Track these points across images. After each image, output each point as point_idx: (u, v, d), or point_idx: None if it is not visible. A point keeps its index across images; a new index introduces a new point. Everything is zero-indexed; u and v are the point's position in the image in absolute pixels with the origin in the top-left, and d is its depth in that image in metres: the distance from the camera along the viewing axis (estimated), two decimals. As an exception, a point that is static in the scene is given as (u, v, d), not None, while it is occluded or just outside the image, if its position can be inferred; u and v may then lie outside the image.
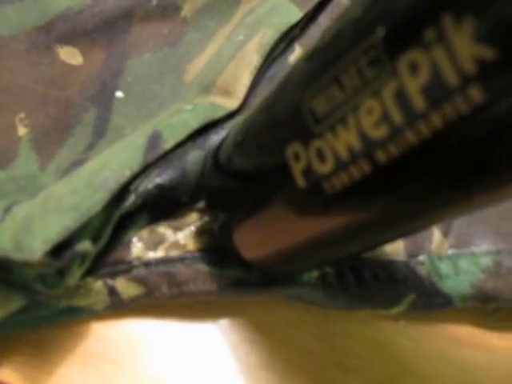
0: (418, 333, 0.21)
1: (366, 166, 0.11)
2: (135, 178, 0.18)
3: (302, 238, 0.14)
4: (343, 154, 0.11)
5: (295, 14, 0.23)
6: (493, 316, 0.21)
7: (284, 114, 0.13)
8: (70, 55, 0.23)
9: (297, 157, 0.12)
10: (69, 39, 0.23)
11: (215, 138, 0.20)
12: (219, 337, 0.20)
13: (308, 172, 0.12)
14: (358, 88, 0.10)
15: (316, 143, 0.12)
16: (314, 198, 0.12)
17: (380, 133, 0.10)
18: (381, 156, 0.10)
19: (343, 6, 0.25)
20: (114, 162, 0.17)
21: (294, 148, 0.12)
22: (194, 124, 0.19)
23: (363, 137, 0.10)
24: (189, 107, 0.20)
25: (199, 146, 0.19)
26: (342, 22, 0.12)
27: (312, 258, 0.16)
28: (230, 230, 0.17)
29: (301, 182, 0.12)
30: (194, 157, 0.19)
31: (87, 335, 0.19)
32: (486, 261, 0.20)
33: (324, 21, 0.24)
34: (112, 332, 0.19)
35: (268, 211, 0.14)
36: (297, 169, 0.12)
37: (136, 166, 0.18)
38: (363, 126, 0.10)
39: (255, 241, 0.16)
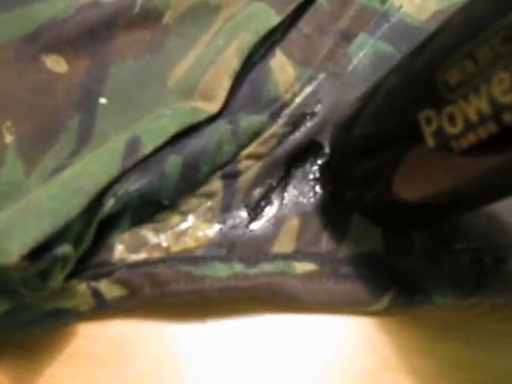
0: (401, 328, 0.21)
1: (492, 127, 0.13)
2: (114, 182, 0.18)
3: (435, 186, 0.17)
4: (473, 117, 0.13)
5: (274, 19, 0.23)
6: (472, 311, 0.21)
7: (417, 86, 0.15)
8: (55, 63, 0.23)
9: (429, 121, 0.15)
10: (54, 48, 0.23)
11: (194, 141, 0.20)
12: (206, 336, 0.20)
13: (438, 133, 0.14)
14: (491, 62, 0.13)
15: (448, 109, 0.14)
16: (442, 155, 0.15)
17: (509, 99, 0.12)
18: (508, 118, 0.12)
19: (323, 10, 0.25)
20: (93, 168, 0.18)
21: (426, 113, 0.15)
22: (173, 129, 0.20)
23: (493, 102, 0.13)
24: (169, 112, 0.20)
25: (178, 151, 0.20)
26: (473, 8, 0.14)
27: (452, 200, 0.17)
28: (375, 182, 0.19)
29: (431, 142, 0.15)
30: (173, 161, 0.19)
31: (75, 336, 0.20)
32: (467, 257, 0.20)
33: (304, 25, 0.25)
34: (99, 332, 0.20)
35: (405, 166, 0.17)
36: (428, 131, 0.15)
37: (114, 171, 0.18)
38: (494, 94, 0.13)
39: (404, 187, 0.18)
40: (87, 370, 0.20)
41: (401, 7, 0.27)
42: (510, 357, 0.20)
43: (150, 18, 0.24)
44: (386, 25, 0.26)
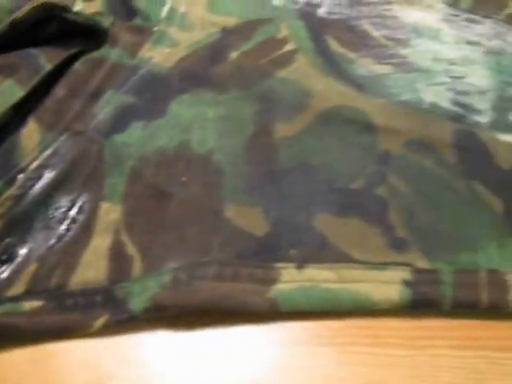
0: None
1: None
2: None
3: None
4: None
5: (18, 93, 0.28)
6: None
7: None
8: None
9: None
10: None
11: None
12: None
13: None
14: None
15: None
16: None
17: None
18: None
19: (77, 73, 0.30)
20: None
21: None
22: None
23: None
24: None
25: None
26: None
27: None
28: None
29: None
30: None
31: None
32: (166, 278, 0.24)
33: (58, 90, 0.29)
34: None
35: None
36: None
37: None
38: None
39: None
40: None
41: (151, 58, 0.30)
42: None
43: None
44: (134, 78, 0.30)
